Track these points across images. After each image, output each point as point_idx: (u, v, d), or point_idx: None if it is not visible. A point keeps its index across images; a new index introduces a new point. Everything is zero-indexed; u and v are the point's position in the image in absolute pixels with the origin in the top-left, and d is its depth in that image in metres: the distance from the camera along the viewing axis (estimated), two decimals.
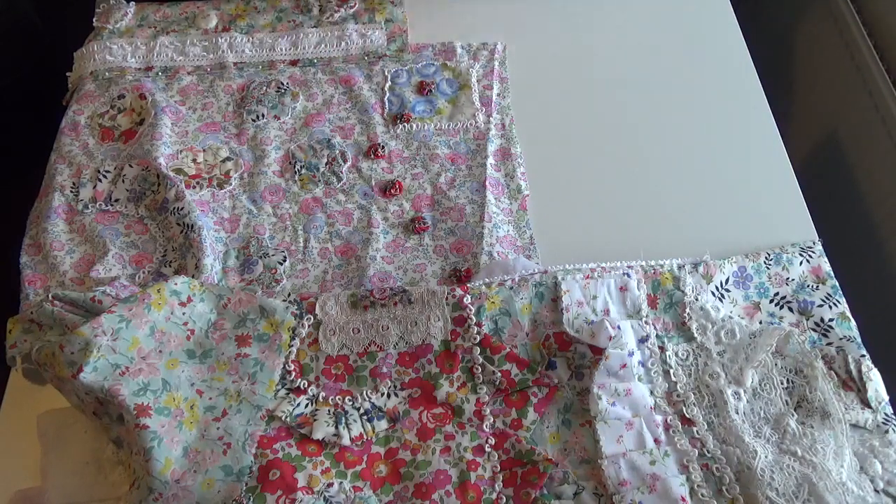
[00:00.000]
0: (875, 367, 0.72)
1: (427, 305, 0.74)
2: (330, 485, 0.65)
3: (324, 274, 0.80)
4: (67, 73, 0.99)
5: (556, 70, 0.99)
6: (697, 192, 0.87)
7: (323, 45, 0.99)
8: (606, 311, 0.74)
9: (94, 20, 1.02)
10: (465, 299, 0.74)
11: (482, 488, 0.66)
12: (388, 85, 0.95)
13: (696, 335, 0.74)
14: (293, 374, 0.71)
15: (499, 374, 0.71)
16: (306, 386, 0.71)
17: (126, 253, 0.80)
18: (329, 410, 0.69)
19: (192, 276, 0.76)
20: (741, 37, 1.02)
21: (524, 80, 0.97)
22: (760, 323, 0.76)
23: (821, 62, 1.15)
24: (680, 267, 0.78)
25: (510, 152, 0.90)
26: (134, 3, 1.04)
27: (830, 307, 0.76)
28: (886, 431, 0.69)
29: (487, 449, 0.68)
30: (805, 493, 0.64)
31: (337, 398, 0.70)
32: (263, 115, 0.92)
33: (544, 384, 0.71)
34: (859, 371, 0.71)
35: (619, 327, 0.71)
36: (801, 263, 0.79)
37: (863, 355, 0.73)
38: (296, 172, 0.88)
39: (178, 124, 0.91)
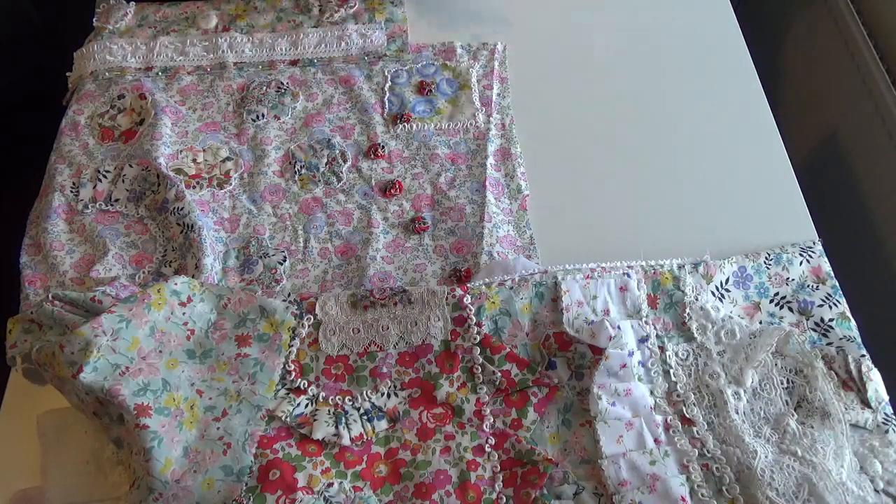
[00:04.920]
0: (875, 367, 0.72)
1: (427, 305, 0.74)
2: (330, 485, 0.65)
3: (324, 274, 0.80)
4: (67, 73, 0.99)
5: (556, 70, 0.99)
6: (697, 192, 0.87)
7: (323, 45, 0.99)
8: (606, 311, 0.74)
9: (94, 20, 1.02)
10: (465, 299, 0.74)
11: (482, 488, 0.66)
12: (388, 85, 0.95)
13: (696, 335, 0.74)
14: (293, 374, 0.71)
15: (499, 374, 0.71)
16: (306, 386, 0.71)
17: (126, 253, 0.80)
18: (329, 410, 0.69)
19: (192, 276, 0.76)
20: (741, 37, 1.02)
21: (524, 80, 0.97)
22: (760, 323, 0.76)
23: (821, 62, 1.15)
24: (680, 267, 0.78)
25: (510, 152, 0.90)
26: (134, 3, 1.04)
27: (830, 307, 0.76)
28: (886, 431, 0.69)
29: (487, 449, 0.68)
30: (805, 493, 0.64)
31: (337, 398, 0.70)
32: (263, 115, 0.92)
33: (544, 384, 0.71)
34: (859, 371, 0.71)
35: (619, 327, 0.71)
36: (801, 263, 0.79)
37: (863, 355, 0.73)
38: (296, 172, 0.88)
39: (178, 124, 0.91)
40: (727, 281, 0.78)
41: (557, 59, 1.00)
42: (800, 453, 0.66)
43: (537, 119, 0.93)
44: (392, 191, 0.86)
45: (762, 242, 0.81)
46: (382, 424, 0.69)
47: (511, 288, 0.75)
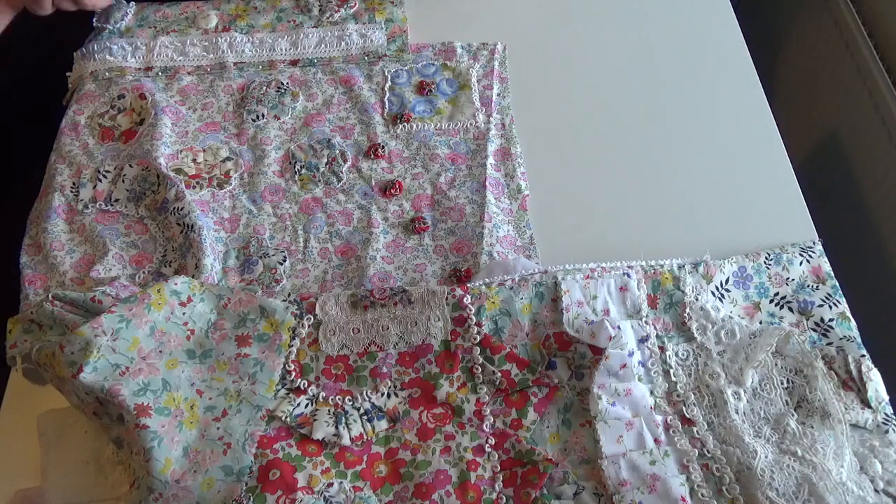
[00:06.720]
0: (875, 367, 0.72)
1: (427, 305, 0.74)
2: (330, 485, 0.65)
3: (324, 274, 0.80)
4: (67, 73, 0.99)
5: (556, 70, 0.99)
6: (697, 192, 0.87)
7: (323, 45, 0.99)
8: (606, 311, 0.74)
9: (94, 20, 1.02)
10: (465, 299, 0.74)
11: (482, 488, 0.66)
12: (388, 85, 0.95)
13: (696, 335, 0.74)
14: (293, 374, 0.71)
15: (499, 374, 0.71)
16: (306, 386, 0.71)
17: (126, 253, 0.80)
18: (329, 410, 0.69)
19: (192, 276, 0.76)
20: (741, 37, 1.01)
21: (524, 80, 0.97)
22: (760, 323, 0.76)
23: (821, 62, 1.15)
24: (680, 267, 0.78)
25: (510, 152, 0.90)
26: (134, 3, 1.04)
27: (830, 307, 0.76)
28: (886, 431, 0.69)
29: (487, 449, 0.68)
30: (805, 493, 0.64)
31: (337, 398, 0.70)
32: (263, 115, 0.92)
33: (544, 384, 0.71)
34: (859, 371, 0.71)
35: (619, 327, 0.71)
36: (801, 263, 0.79)
37: (863, 355, 0.73)
38: (296, 172, 0.88)
39: (178, 124, 0.91)
40: (727, 281, 0.78)
41: (557, 59, 1.00)
42: (800, 453, 0.66)
43: (537, 119, 0.93)
44: (392, 191, 0.86)
45: (762, 242, 0.81)
46: (382, 424, 0.69)
47: (511, 288, 0.75)
